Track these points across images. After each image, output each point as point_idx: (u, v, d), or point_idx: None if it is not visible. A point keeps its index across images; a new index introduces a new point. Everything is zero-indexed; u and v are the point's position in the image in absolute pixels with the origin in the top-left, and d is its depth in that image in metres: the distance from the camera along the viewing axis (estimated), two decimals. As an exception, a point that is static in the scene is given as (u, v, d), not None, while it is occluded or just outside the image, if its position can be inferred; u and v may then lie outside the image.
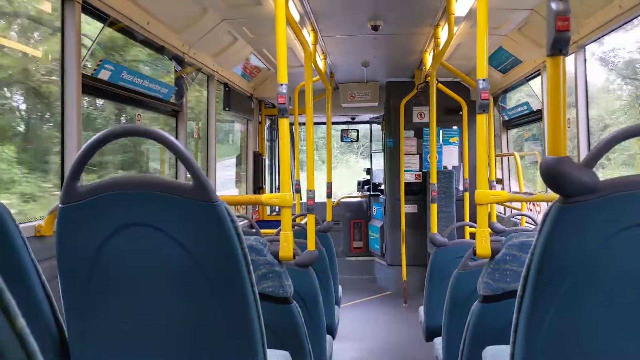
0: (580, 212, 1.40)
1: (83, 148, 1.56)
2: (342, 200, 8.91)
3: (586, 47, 4.14)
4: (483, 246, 2.69)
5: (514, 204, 6.09)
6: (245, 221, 5.84)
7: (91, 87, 3.40)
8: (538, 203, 5.65)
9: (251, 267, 1.61)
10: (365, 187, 9.18)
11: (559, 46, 1.48)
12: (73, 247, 1.58)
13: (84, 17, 3.18)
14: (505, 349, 1.69)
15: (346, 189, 10.33)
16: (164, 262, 1.57)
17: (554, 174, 1.39)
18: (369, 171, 9.33)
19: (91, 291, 1.59)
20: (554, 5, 1.44)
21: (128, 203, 1.54)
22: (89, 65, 3.42)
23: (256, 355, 1.65)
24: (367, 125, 9.60)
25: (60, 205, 1.56)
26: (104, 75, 3.52)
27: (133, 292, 1.60)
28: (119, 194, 1.54)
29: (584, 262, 1.42)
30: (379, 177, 9.05)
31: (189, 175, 1.54)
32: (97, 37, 3.47)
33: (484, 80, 2.76)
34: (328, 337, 3.86)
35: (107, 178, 1.57)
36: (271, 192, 8.35)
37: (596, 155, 1.42)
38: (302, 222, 4.97)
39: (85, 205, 1.55)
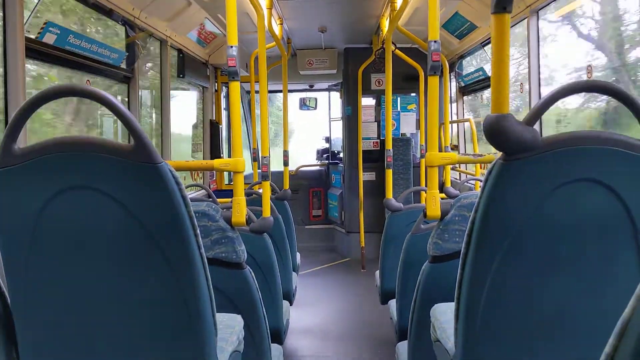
0: (521, 168, 1.42)
1: (20, 107, 1.50)
2: (300, 169, 8.90)
3: (539, 11, 4.19)
4: (433, 208, 2.72)
5: (469, 170, 6.18)
6: (203, 190, 5.78)
7: (35, 51, 3.28)
8: None
9: (197, 230, 1.59)
10: (324, 155, 9.19)
11: (503, 4, 1.49)
12: (12, 212, 1.53)
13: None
14: (452, 306, 1.73)
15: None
16: (108, 226, 1.54)
17: (496, 131, 1.41)
18: (327, 139, 9.32)
19: (33, 258, 1.55)
20: None
21: (68, 165, 1.50)
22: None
23: (204, 319, 1.64)
24: (326, 93, 9.55)
25: None
26: (49, 38, 3.38)
27: (77, 257, 1.57)
28: (58, 156, 1.49)
29: (524, 218, 1.45)
30: (337, 145, 9.06)
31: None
32: (40, -2, 3.33)
33: (435, 42, 2.78)
34: (285, 302, 3.89)
35: (45, 139, 1.52)
36: None
37: (536, 113, 1.44)
38: (260, 190, 4.96)
39: (23, 169, 1.50)
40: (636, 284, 1.46)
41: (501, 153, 1.45)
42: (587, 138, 1.42)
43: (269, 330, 2.87)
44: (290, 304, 4.37)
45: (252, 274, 2.73)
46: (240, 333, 2.12)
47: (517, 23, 4.45)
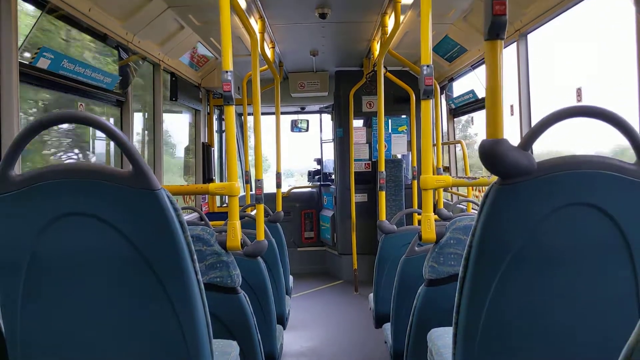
0: (518, 192, 1.43)
1: (18, 134, 1.50)
2: (292, 190, 8.89)
3: (528, 35, 4.25)
4: (428, 231, 2.73)
5: (461, 192, 6.20)
6: (195, 213, 5.76)
7: (30, 76, 3.28)
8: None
9: (195, 256, 1.60)
10: (316, 177, 9.19)
11: (497, 30, 1.52)
12: (9, 239, 1.52)
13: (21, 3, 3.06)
14: (450, 330, 1.73)
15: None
16: (105, 252, 1.53)
17: (492, 156, 1.42)
18: (319, 161, 9.34)
19: (29, 285, 1.54)
20: None
21: (65, 192, 1.50)
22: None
23: (201, 345, 1.64)
24: (317, 115, 9.59)
25: None
26: (43, 63, 3.39)
27: (73, 285, 1.56)
28: (56, 183, 1.49)
29: (521, 241, 1.46)
30: (329, 167, 9.07)
31: None
32: (35, 23, 3.35)
33: (427, 66, 2.80)
34: (278, 326, 3.86)
35: (43, 166, 1.52)
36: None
37: (531, 137, 1.46)
38: (252, 212, 4.95)
39: (21, 195, 1.50)
40: (633, 306, 1.47)
41: (496, 177, 1.47)
42: (581, 162, 1.44)
43: (263, 355, 2.85)
44: (284, 328, 4.34)
45: (247, 298, 2.72)
46: (236, 359, 2.10)
47: (506, 47, 4.51)
